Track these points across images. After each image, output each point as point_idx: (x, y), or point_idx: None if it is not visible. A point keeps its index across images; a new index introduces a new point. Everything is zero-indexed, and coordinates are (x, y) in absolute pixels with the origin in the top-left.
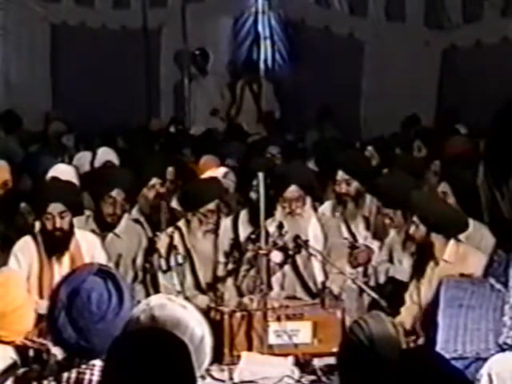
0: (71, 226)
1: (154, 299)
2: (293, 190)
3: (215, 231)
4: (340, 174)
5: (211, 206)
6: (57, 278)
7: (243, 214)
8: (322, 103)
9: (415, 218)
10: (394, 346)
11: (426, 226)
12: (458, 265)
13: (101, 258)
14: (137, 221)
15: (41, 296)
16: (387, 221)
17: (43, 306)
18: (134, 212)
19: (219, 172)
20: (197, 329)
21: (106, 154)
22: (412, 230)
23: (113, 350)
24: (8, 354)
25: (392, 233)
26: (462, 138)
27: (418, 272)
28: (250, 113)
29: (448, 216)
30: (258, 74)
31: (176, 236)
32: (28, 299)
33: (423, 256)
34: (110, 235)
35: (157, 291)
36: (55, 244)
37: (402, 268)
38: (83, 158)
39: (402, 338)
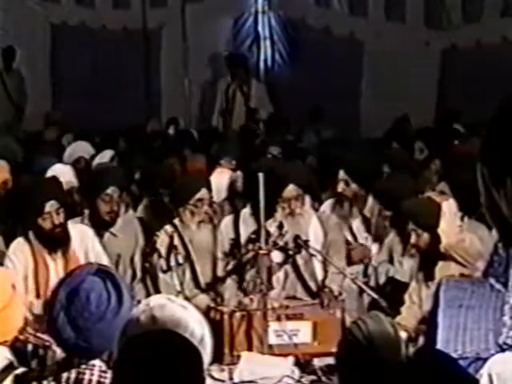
0: (66, 220)
1: (154, 299)
2: (291, 190)
3: (211, 221)
4: (341, 174)
5: (199, 195)
6: (52, 276)
7: (244, 213)
8: (312, 104)
9: (413, 226)
10: (392, 347)
11: (429, 232)
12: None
13: (95, 247)
14: (141, 219)
15: (38, 296)
16: (387, 223)
17: (38, 306)
18: (139, 211)
19: (232, 176)
20: (197, 329)
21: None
22: (413, 238)
23: (124, 352)
24: (3, 355)
25: (392, 233)
26: (470, 139)
27: (425, 275)
28: (241, 114)
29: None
30: (243, 69)
31: (175, 234)
32: (14, 299)
33: (430, 259)
34: (107, 234)
35: (157, 291)
36: (56, 241)
37: (402, 269)
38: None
39: (402, 338)
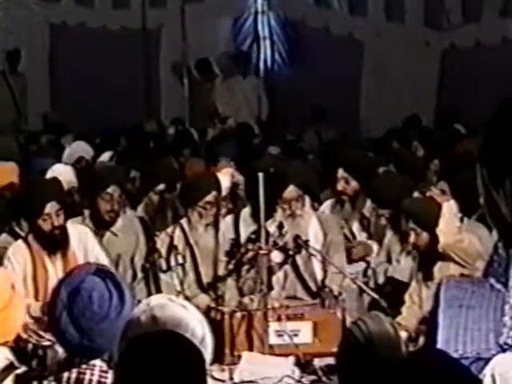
0: (65, 222)
1: (155, 299)
2: (291, 191)
3: (216, 224)
4: (340, 172)
5: (209, 197)
6: (51, 278)
7: (244, 213)
8: (314, 104)
9: (413, 225)
10: (393, 347)
11: (428, 232)
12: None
13: (94, 248)
14: (141, 219)
15: (37, 298)
16: (383, 221)
17: (36, 308)
18: (140, 210)
19: (235, 177)
20: (197, 329)
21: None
22: (412, 237)
23: (126, 353)
24: (4, 355)
25: (389, 233)
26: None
27: (424, 275)
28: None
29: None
30: (248, 67)
31: (177, 233)
32: (14, 299)
33: (429, 259)
34: (108, 234)
35: (158, 290)
36: (55, 243)
37: (401, 268)
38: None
39: (402, 338)
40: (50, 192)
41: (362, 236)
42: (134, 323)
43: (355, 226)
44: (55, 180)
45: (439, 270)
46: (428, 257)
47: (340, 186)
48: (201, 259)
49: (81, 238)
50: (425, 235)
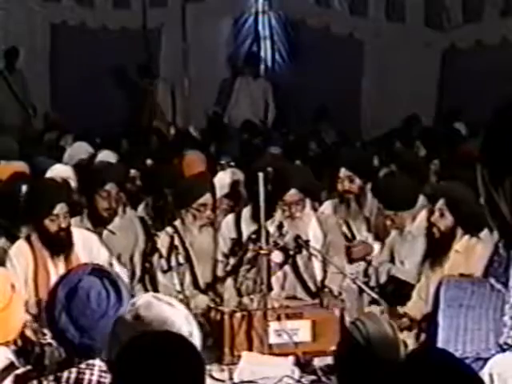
0: (69, 224)
1: (140, 299)
2: (293, 194)
3: (212, 225)
4: (342, 171)
5: (202, 200)
6: (53, 280)
7: (246, 212)
8: (317, 104)
9: (443, 206)
10: (391, 347)
11: (455, 215)
12: (466, 255)
13: (99, 253)
14: (142, 219)
15: (38, 299)
16: (388, 222)
17: (32, 304)
18: (140, 210)
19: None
20: (184, 326)
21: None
22: (435, 217)
23: (125, 353)
24: (4, 355)
25: (393, 233)
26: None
27: (430, 264)
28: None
29: (477, 210)
30: (259, 69)
31: (175, 236)
32: (14, 299)
33: (440, 247)
34: (105, 232)
35: (156, 290)
36: (59, 245)
37: (404, 268)
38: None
39: (400, 338)
40: (61, 193)
41: (363, 236)
42: (120, 323)
43: (361, 226)
44: (66, 182)
45: (451, 262)
46: (440, 244)
47: (345, 185)
48: (196, 260)
49: (85, 243)
50: (450, 219)
